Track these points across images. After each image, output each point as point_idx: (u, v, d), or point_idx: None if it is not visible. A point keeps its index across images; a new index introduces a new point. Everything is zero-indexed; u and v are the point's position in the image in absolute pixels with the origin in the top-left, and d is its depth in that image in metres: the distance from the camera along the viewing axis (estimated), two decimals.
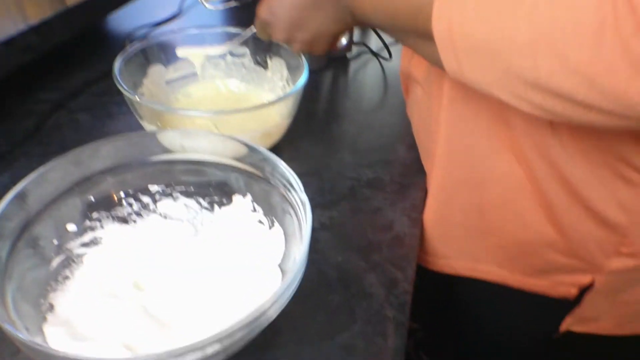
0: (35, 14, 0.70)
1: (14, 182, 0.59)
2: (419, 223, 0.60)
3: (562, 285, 0.58)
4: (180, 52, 0.67)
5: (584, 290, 0.57)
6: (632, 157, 0.45)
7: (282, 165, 0.46)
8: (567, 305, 0.60)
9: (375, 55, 0.94)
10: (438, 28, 0.39)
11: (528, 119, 0.47)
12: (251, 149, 0.49)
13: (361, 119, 0.78)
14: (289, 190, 0.46)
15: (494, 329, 0.72)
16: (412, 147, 0.71)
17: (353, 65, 0.93)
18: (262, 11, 0.57)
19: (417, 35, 0.44)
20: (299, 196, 0.44)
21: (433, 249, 0.63)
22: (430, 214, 0.61)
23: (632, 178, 0.47)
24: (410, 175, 0.67)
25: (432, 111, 0.57)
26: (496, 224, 0.57)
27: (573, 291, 0.58)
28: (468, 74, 0.39)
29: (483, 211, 0.56)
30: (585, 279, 0.56)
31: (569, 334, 0.63)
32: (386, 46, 0.92)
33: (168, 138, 0.51)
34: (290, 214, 0.47)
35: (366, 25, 0.51)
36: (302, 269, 0.40)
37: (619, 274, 0.54)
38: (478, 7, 0.36)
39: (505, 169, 0.52)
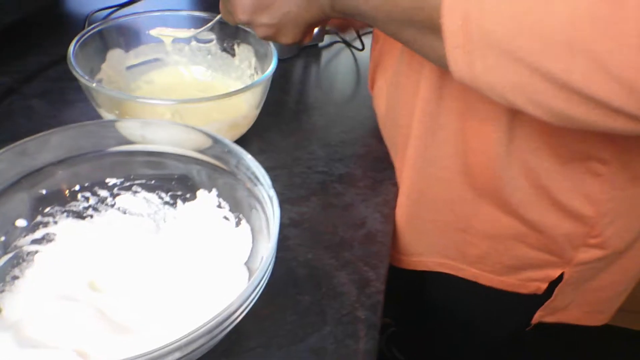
0: None
1: None
2: (391, 219, 0.58)
3: (532, 281, 0.58)
4: (153, 31, 0.64)
5: (552, 284, 0.58)
6: (599, 150, 0.45)
7: (248, 159, 0.44)
8: (537, 298, 0.60)
9: (348, 45, 0.92)
10: (449, 22, 0.34)
11: (494, 113, 0.46)
12: (216, 141, 0.46)
13: (332, 111, 0.76)
14: (256, 185, 0.44)
15: (466, 324, 0.72)
16: (384, 141, 0.70)
17: (325, 55, 0.91)
18: None
19: (417, 28, 0.39)
20: (267, 191, 0.42)
21: (404, 246, 0.62)
22: (401, 211, 0.59)
23: (598, 170, 0.47)
24: (382, 169, 0.65)
25: (403, 107, 0.56)
26: (466, 218, 0.56)
27: (542, 286, 0.58)
28: (481, 75, 0.35)
29: (454, 206, 0.56)
30: (554, 273, 0.56)
31: (541, 324, 0.63)
32: (359, 36, 0.90)
33: (127, 128, 0.48)
34: (257, 210, 0.45)
35: (347, 15, 0.44)
36: (270, 268, 0.37)
37: (587, 264, 0.55)
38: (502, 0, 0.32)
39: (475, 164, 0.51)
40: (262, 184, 0.43)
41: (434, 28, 0.36)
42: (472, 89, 0.37)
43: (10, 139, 0.61)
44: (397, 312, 0.54)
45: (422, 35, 0.39)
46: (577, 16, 0.29)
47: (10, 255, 0.42)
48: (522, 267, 0.57)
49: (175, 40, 0.66)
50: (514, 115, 0.45)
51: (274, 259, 0.38)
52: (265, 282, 0.37)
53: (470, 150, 0.50)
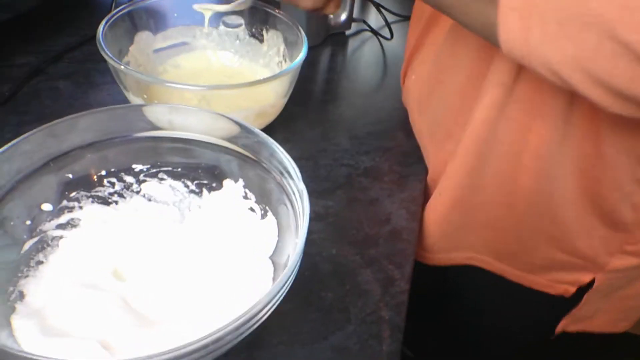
0: None
1: None
2: (417, 217, 0.57)
3: (561, 283, 0.57)
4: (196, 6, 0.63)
5: (581, 289, 0.56)
6: None
7: (280, 150, 0.43)
8: (563, 303, 0.59)
9: (375, 33, 0.90)
10: None
11: (551, 110, 0.44)
12: (246, 130, 0.45)
13: (359, 101, 0.74)
14: (286, 178, 0.43)
15: (486, 320, 0.70)
16: (412, 134, 0.68)
17: (351, 43, 0.89)
18: None
19: None
20: (297, 185, 0.41)
21: (431, 245, 0.61)
22: (435, 214, 0.58)
23: None
24: (409, 164, 0.64)
25: (449, 111, 0.53)
26: (498, 219, 0.54)
27: (571, 290, 0.57)
28: (538, 46, 0.30)
29: (486, 207, 0.54)
30: (585, 278, 0.55)
31: (563, 334, 0.62)
32: (388, 25, 0.88)
33: (155, 113, 0.47)
34: (285, 204, 0.43)
35: None
36: (297, 267, 0.36)
37: (620, 272, 0.53)
38: None
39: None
40: (292, 178, 0.41)
41: None
42: (520, 63, 0.33)
43: (36, 120, 0.61)
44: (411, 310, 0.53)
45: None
46: None
47: (35, 239, 0.41)
48: (552, 268, 0.56)
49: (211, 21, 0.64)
50: (569, 114, 0.43)
51: (301, 258, 0.37)
52: (292, 281, 0.36)
53: (525, 152, 0.47)
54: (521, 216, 0.52)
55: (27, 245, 0.41)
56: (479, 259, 0.60)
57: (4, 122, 0.60)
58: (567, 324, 0.60)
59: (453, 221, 0.57)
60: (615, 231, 0.50)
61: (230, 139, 0.46)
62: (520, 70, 0.43)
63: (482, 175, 0.51)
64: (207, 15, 0.63)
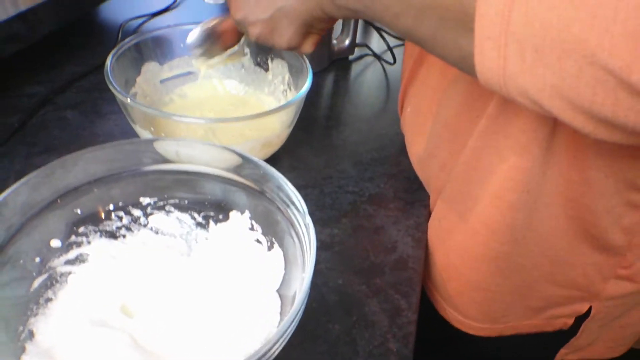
0: (21, 2, 0.66)
1: None
2: (422, 244, 0.57)
3: (559, 318, 0.57)
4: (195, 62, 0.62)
5: (579, 318, 0.56)
6: None
7: (286, 183, 0.43)
8: (561, 336, 0.58)
9: (378, 58, 0.91)
10: (486, 6, 0.29)
11: (531, 141, 0.43)
12: (252, 163, 0.46)
13: (363, 127, 0.75)
14: (292, 211, 0.43)
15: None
16: None
17: (354, 68, 0.90)
18: None
19: (439, 18, 0.33)
20: (303, 219, 0.41)
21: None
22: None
23: (638, 202, 0.45)
24: (413, 190, 0.64)
25: (447, 138, 0.53)
26: (490, 275, 0.54)
27: (569, 322, 0.57)
28: (514, 75, 0.30)
29: (477, 264, 0.53)
30: (582, 308, 0.55)
31: None
32: (390, 50, 0.89)
33: (162, 146, 0.47)
34: (292, 237, 0.44)
35: (352, 11, 0.38)
36: (304, 304, 0.37)
37: (617, 300, 0.53)
38: None
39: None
40: (298, 211, 0.42)
41: (462, 17, 0.31)
42: (497, 93, 0.32)
43: (45, 150, 0.62)
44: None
45: (445, 29, 0.33)
46: None
47: (44, 276, 0.42)
48: (548, 306, 0.55)
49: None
50: (551, 142, 0.42)
51: (308, 293, 0.37)
52: (301, 316, 0.36)
53: (505, 189, 0.46)
54: (509, 263, 0.51)
55: (37, 282, 0.41)
56: (469, 325, 0.59)
57: (13, 153, 0.61)
58: (566, 354, 0.60)
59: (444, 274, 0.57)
60: (607, 256, 0.49)
61: (236, 171, 0.47)
62: (504, 100, 0.42)
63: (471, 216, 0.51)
64: (202, 71, 0.64)
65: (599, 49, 0.26)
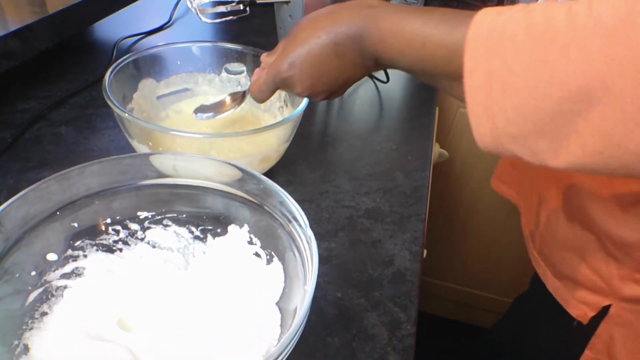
0: (17, 19, 0.66)
1: None
2: (419, 257, 0.57)
3: (583, 304, 0.58)
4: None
5: (597, 319, 0.57)
6: None
7: (287, 198, 0.43)
8: (581, 333, 0.59)
9: (372, 77, 0.92)
10: (472, 79, 0.35)
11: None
12: (251, 177, 0.46)
13: (357, 143, 0.76)
14: (293, 225, 0.43)
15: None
16: (410, 175, 0.69)
17: None
18: (282, 65, 0.48)
19: (449, 79, 0.40)
20: (305, 233, 0.41)
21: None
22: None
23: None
24: (409, 205, 0.64)
25: None
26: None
27: (589, 314, 0.58)
28: (503, 128, 0.35)
29: None
30: (603, 301, 0.56)
31: None
32: (385, 70, 0.90)
33: (160, 161, 0.47)
34: (292, 251, 0.44)
35: (390, 68, 0.47)
36: (306, 319, 0.36)
37: (633, 304, 0.54)
38: (518, 47, 0.32)
39: None
40: (300, 225, 0.42)
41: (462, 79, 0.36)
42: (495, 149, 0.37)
43: (38, 165, 0.61)
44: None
45: (457, 84, 0.38)
46: (592, 61, 0.30)
47: (40, 290, 0.41)
48: (578, 283, 0.58)
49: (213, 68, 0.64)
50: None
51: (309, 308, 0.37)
52: (302, 331, 0.36)
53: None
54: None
55: (32, 296, 0.41)
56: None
57: (7, 169, 0.60)
58: (589, 356, 0.61)
59: None
60: (623, 253, 0.51)
61: (235, 185, 0.47)
62: None
63: None
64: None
65: (561, 105, 0.32)
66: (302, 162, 0.69)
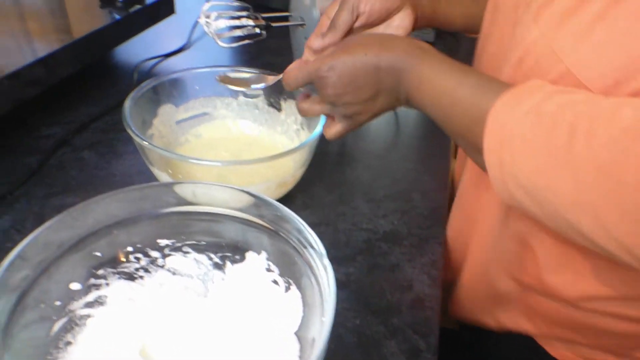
0: (44, 47, 0.68)
1: (14, 226, 0.57)
2: (438, 282, 0.57)
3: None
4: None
5: None
6: None
7: (301, 224, 0.43)
8: None
9: None
10: (489, 160, 0.38)
11: None
12: (269, 205, 0.46)
13: (374, 162, 0.76)
14: (310, 253, 0.43)
15: None
16: (427, 195, 0.69)
17: None
18: (325, 64, 0.49)
19: (471, 144, 0.43)
20: (322, 261, 0.41)
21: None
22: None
23: None
24: (427, 227, 0.64)
25: None
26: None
27: None
28: (517, 200, 0.39)
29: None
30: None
31: None
32: None
33: (181, 189, 0.48)
34: (309, 277, 0.44)
35: (419, 111, 0.49)
36: (326, 348, 0.36)
37: None
38: (524, 149, 0.36)
39: None
40: (315, 251, 0.42)
41: (481, 151, 0.39)
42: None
43: (62, 191, 0.63)
44: None
45: (475, 151, 0.42)
46: (582, 180, 0.33)
47: (64, 320, 0.42)
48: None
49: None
50: None
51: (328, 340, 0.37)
52: None
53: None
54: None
55: (57, 326, 0.41)
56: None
57: (32, 195, 0.61)
58: None
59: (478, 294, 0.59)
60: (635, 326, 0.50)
61: (253, 213, 0.47)
62: None
63: None
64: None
65: (559, 209, 0.36)
66: (318, 184, 0.69)
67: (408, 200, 0.69)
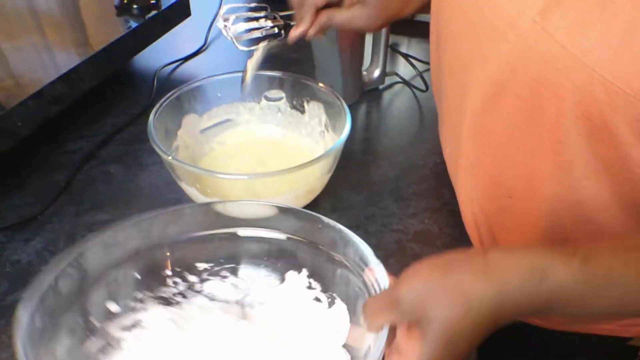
0: (64, 62, 0.68)
1: (46, 248, 0.58)
2: None
3: (634, 326, 0.55)
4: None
5: None
6: None
7: (358, 240, 0.43)
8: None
9: (410, 86, 0.91)
10: None
11: None
12: (314, 220, 0.45)
13: (401, 158, 0.74)
14: (362, 267, 0.43)
15: None
16: None
17: (386, 97, 0.89)
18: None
19: None
20: (376, 276, 0.41)
21: None
22: None
23: None
24: (458, 224, 0.63)
25: None
26: None
27: None
28: None
29: None
30: None
31: None
32: (422, 76, 0.88)
33: (224, 208, 0.48)
34: (360, 289, 0.43)
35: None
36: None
37: None
38: None
39: None
40: (365, 264, 0.42)
41: None
42: None
43: (92, 208, 0.63)
44: None
45: None
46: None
47: (101, 342, 0.42)
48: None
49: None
50: None
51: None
52: None
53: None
54: None
55: (94, 346, 0.42)
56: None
57: (63, 213, 0.62)
58: None
59: None
60: None
61: (293, 231, 0.47)
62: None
63: None
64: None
65: None
66: (345, 185, 0.68)
67: (438, 197, 0.68)
